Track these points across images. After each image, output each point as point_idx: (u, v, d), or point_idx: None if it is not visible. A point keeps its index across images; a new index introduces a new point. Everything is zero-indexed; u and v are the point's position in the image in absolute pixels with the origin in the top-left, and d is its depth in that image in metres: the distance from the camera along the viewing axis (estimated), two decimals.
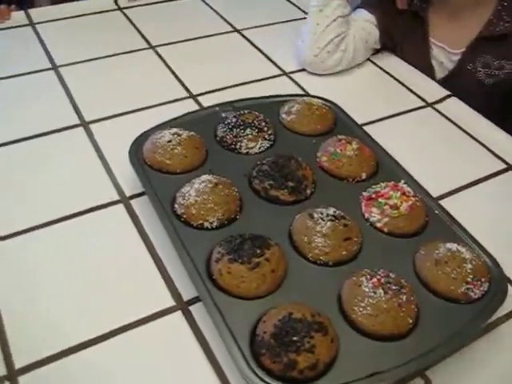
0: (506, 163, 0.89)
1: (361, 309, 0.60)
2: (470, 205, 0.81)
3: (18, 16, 1.20)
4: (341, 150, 0.78)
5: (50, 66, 1.05)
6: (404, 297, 0.60)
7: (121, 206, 0.77)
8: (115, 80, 1.03)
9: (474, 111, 0.99)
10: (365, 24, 1.08)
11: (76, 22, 1.20)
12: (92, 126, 0.91)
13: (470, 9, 1.05)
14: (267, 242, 0.64)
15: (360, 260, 0.67)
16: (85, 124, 0.91)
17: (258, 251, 0.62)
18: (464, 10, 1.06)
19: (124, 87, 1.01)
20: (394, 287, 0.61)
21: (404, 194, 0.72)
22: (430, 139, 0.94)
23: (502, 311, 0.64)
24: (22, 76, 1.02)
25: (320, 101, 0.90)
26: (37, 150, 0.86)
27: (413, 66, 1.10)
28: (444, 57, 1.09)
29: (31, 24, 1.18)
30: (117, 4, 1.27)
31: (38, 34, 1.14)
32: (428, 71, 1.09)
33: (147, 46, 1.14)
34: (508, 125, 0.96)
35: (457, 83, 1.06)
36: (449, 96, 1.03)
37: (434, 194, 0.78)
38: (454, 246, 0.66)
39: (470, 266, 0.64)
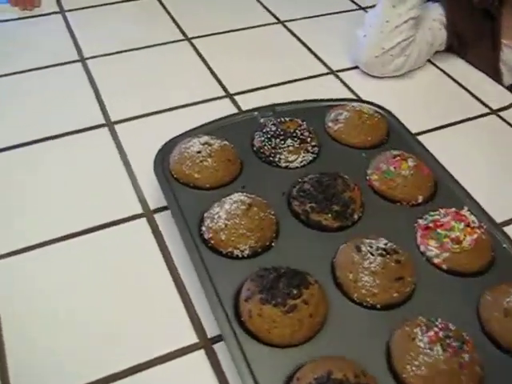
0: None
1: (414, 368, 0.51)
2: None
3: (48, 3, 1.13)
4: (395, 167, 0.68)
5: (77, 57, 0.98)
6: (466, 356, 0.51)
7: (143, 221, 0.70)
8: (146, 75, 0.96)
9: None
10: (432, 24, 0.97)
11: (108, 9, 1.13)
12: (117, 127, 0.84)
13: None
14: (305, 280, 0.55)
15: (414, 303, 0.57)
16: (110, 124, 0.84)
17: (295, 292, 0.53)
18: None
19: (155, 83, 0.94)
20: (454, 343, 0.51)
21: (468, 225, 0.62)
22: (492, 151, 0.85)
23: None
24: (47, 68, 0.96)
25: (372, 107, 0.80)
26: (58, 152, 0.80)
27: (477, 69, 1.00)
28: None
29: (61, 11, 1.11)
30: None
31: (67, 22, 1.08)
32: (494, 76, 0.98)
33: (182, 37, 1.06)
34: None
35: None
36: None
37: (498, 219, 0.68)
38: None
39: None
